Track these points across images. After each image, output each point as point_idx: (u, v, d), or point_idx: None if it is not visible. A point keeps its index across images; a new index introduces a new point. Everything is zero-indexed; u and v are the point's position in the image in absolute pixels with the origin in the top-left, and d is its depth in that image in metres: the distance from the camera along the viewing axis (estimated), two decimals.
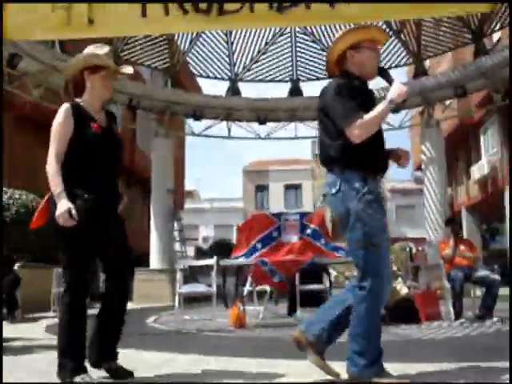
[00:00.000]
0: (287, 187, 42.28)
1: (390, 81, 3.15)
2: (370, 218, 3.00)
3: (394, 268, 16.33)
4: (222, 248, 21.64)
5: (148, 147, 18.50)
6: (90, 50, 3.37)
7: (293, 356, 3.62)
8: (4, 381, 3.01)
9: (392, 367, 3.11)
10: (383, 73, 3.24)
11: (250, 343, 5.61)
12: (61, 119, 3.16)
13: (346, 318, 3.03)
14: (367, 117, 2.99)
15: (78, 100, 3.32)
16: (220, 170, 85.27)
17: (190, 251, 23.17)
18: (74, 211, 2.97)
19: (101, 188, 3.17)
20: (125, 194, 3.44)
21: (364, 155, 3.06)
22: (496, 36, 16.39)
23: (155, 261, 15.06)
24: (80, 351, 3.07)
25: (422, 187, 30.22)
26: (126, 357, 3.49)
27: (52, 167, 3.08)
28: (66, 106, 3.21)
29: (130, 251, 3.40)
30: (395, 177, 38.17)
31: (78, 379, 2.95)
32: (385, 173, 3.26)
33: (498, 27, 13.24)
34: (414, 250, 25.39)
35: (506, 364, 3.41)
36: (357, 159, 3.06)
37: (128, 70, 3.49)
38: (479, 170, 22.29)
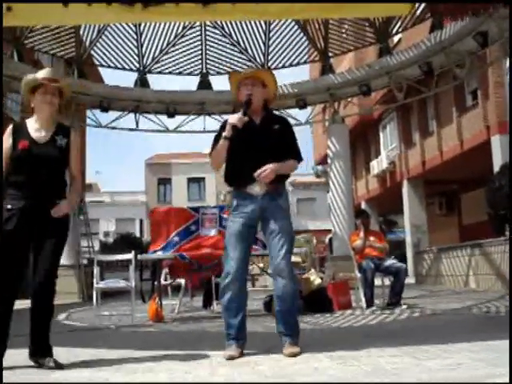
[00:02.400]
0: (190, 180, 42.08)
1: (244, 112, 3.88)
2: (228, 227, 3.97)
3: (299, 260, 16.75)
4: (127, 242, 21.31)
5: None
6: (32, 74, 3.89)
7: (217, 347, 3.92)
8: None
9: (322, 356, 3.25)
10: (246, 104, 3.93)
11: (173, 337, 5.64)
12: (3, 138, 3.77)
13: None
14: (214, 151, 3.94)
15: (31, 118, 3.88)
16: (126, 163, 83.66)
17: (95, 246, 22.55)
18: None
19: (27, 195, 3.63)
20: (68, 200, 3.80)
21: (229, 176, 4.01)
22: (396, 37, 17.18)
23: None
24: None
25: (322, 181, 31.32)
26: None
27: None
28: (9, 126, 3.81)
29: (55, 251, 3.71)
30: (296, 171, 38.96)
31: None
32: (247, 183, 3.89)
33: (401, 29, 13.86)
34: (314, 242, 26.20)
35: (424, 347, 3.67)
36: (227, 179, 4.02)
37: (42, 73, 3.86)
38: (378, 164, 23.29)
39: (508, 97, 11.73)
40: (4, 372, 3.20)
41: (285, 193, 4.03)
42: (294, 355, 3.56)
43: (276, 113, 4.59)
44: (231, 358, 3.59)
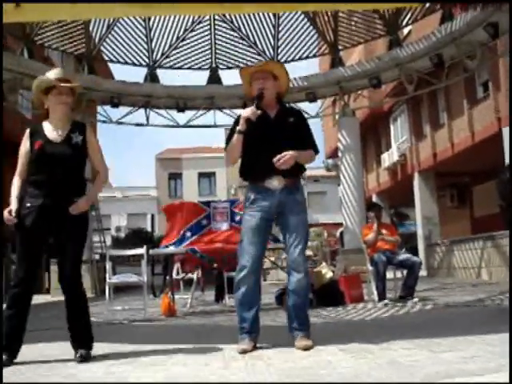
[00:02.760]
0: (201, 175, 42.10)
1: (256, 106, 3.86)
2: (244, 221, 3.91)
3: (310, 253, 16.67)
4: (139, 237, 21.39)
5: None
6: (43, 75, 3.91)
7: (230, 341, 3.94)
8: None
9: (336, 349, 3.26)
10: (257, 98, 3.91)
11: (186, 331, 5.66)
12: (22, 142, 3.86)
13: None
14: (229, 146, 3.95)
15: (46, 120, 3.92)
16: (137, 158, 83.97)
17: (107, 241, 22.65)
18: (13, 212, 3.61)
19: (45, 193, 3.68)
20: (87, 197, 3.84)
21: (245, 170, 3.98)
22: (406, 29, 17.07)
23: None
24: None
25: (333, 174, 31.23)
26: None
27: (14, 181, 3.79)
28: (27, 130, 3.88)
29: (75, 246, 3.77)
30: (306, 164, 38.84)
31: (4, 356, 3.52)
32: (265, 177, 3.86)
33: (410, 21, 13.79)
34: (325, 236, 26.17)
35: (437, 340, 3.67)
36: (243, 173, 3.99)
37: (53, 73, 3.88)
38: (389, 157, 23.19)
39: (509, 93, 11.66)
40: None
41: (301, 187, 4.05)
42: (307, 348, 3.58)
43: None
44: (244, 351, 3.60)
